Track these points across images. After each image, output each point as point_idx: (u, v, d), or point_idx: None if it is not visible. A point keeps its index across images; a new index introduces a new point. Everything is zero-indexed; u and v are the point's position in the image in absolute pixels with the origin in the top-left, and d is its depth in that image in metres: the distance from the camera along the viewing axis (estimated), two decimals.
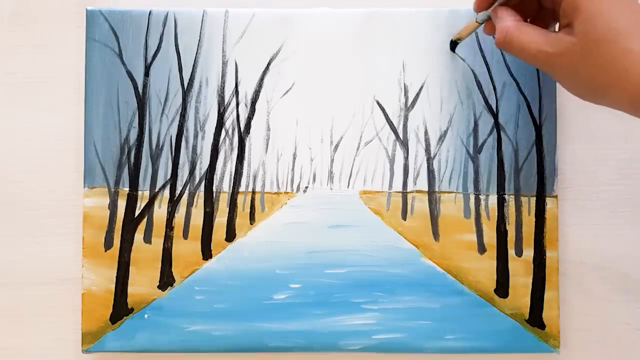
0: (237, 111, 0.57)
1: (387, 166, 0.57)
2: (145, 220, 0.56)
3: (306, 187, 0.57)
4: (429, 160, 0.57)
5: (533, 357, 0.56)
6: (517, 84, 0.56)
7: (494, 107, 0.56)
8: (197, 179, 0.57)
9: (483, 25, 0.50)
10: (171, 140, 0.57)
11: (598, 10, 0.38)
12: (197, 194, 0.57)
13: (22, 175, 0.58)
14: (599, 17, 0.38)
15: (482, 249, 0.56)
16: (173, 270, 0.56)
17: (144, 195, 0.56)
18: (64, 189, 0.57)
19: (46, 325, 0.57)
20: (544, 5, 0.47)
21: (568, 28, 0.40)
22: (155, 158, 0.57)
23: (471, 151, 0.56)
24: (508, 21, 0.44)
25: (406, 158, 0.57)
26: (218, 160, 0.57)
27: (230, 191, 0.57)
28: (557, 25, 0.47)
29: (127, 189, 0.56)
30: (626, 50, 0.37)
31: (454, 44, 0.55)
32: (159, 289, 0.55)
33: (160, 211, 0.56)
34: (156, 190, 0.56)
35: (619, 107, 0.40)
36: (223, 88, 0.57)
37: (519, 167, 0.56)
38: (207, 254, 0.56)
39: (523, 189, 0.56)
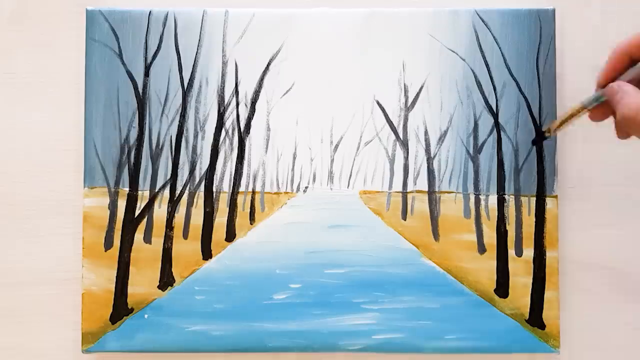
0: (237, 111, 0.57)
1: (387, 166, 0.57)
2: (145, 220, 0.56)
3: (306, 187, 0.57)
4: (429, 160, 0.57)
5: (533, 357, 0.56)
6: (517, 84, 0.56)
7: (494, 107, 0.56)
8: (197, 179, 0.57)
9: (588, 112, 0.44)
10: (171, 140, 0.57)
11: None
12: (197, 194, 0.57)
13: (22, 175, 0.58)
14: None
15: (482, 249, 0.56)
16: (173, 270, 0.56)
17: (144, 195, 0.56)
18: (64, 189, 0.57)
19: (46, 325, 0.57)
20: None
21: None
22: (155, 158, 0.57)
23: (471, 151, 0.56)
24: (638, 97, 0.39)
25: (406, 158, 0.57)
26: (218, 160, 0.57)
27: (230, 191, 0.57)
28: None
29: (127, 189, 0.56)
30: None
31: (541, 138, 0.46)
32: (159, 289, 0.55)
33: (160, 211, 0.56)
34: (156, 190, 0.56)
35: None
36: (223, 88, 0.57)
37: (519, 167, 0.56)
38: (207, 254, 0.56)
39: (523, 189, 0.56)
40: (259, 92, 0.57)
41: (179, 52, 0.57)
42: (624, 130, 0.41)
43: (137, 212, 0.56)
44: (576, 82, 0.57)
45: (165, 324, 0.55)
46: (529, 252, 0.55)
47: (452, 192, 0.56)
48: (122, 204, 0.56)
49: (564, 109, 0.57)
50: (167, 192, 0.56)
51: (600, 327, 0.56)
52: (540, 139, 0.45)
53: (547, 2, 0.56)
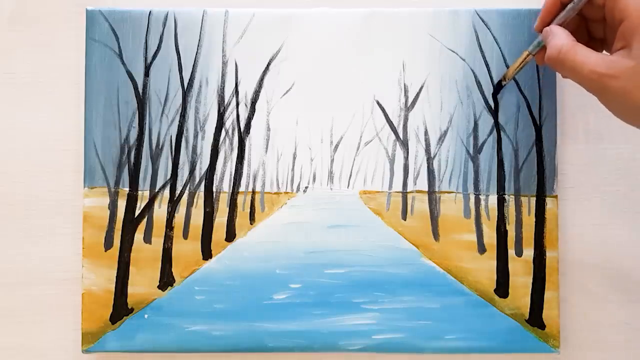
0: (237, 111, 0.57)
1: (387, 166, 0.57)
2: (145, 220, 0.56)
3: (306, 187, 0.57)
4: (429, 160, 0.57)
5: (533, 357, 0.56)
6: (517, 84, 0.56)
7: (493, 107, 0.56)
8: (197, 179, 0.57)
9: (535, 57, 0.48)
10: (171, 140, 0.57)
11: None
12: (197, 194, 0.57)
13: (22, 175, 0.58)
14: None
15: (482, 249, 0.56)
16: (173, 270, 0.56)
17: (144, 195, 0.56)
18: (64, 189, 0.57)
19: (46, 325, 0.57)
20: (594, 35, 0.46)
21: (624, 51, 0.39)
22: (155, 158, 0.57)
23: (471, 151, 0.56)
24: (564, 39, 0.42)
25: (406, 158, 0.57)
26: (218, 160, 0.57)
27: (230, 191, 0.57)
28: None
29: (127, 189, 0.56)
30: None
31: (499, 86, 0.51)
32: (159, 289, 0.55)
33: (160, 211, 0.56)
34: (156, 190, 0.56)
35: None
36: (223, 88, 0.57)
37: (519, 167, 0.56)
38: (207, 254, 0.56)
39: (523, 189, 0.56)
40: (259, 92, 0.57)
41: (179, 52, 0.57)
42: (554, 69, 0.44)
43: (137, 212, 0.56)
44: None
45: (165, 324, 0.55)
46: (529, 252, 0.55)
47: (452, 192, 0.56)
48: (122, 204, 0.56)
49: (564, 109, 0.57)
50: (167, 192, 0.56)
51: (600, 327, 0.56)
52: (499, 87, 0.51)
53: None
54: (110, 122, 0.56)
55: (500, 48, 0.56)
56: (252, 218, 0.57)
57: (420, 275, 0.55)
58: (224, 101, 0.57)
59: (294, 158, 0.57)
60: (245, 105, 0.57)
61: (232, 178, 0.57)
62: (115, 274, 0.55)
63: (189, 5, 0.57)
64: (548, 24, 0.45)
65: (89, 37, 0.56)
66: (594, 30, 0.46)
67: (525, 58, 0.49)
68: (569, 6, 0.44)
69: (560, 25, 0.45)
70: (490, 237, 0.56)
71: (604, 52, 0.46)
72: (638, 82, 0.38)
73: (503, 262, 0.56)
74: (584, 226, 0.57)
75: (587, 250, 0.57)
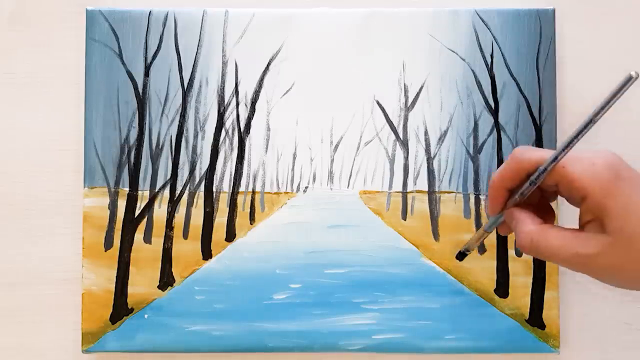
0: (237, 111, 0.57)
1: (387, 166, 0.57)
2: (145, 220, 0.56)
3: (306, 187, 0.57)
4: (429, 160, 0.57)
5: (533, 357, 0.56)
6: (517, 84, 0.56)
7: (493, 107, 0.56)
8: (197, 179, 0.57)
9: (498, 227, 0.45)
10: (171, 140, 0.57)
11: (626, 205, 0.36)
12: (197, 194, 0.57)
13: (22, 175, 0.58)
14: (629, 212, 0.36)
15: (482, 249, 0.56)
16: (173, 270, 0.56)
17: (144, 195, 0.56)
18: (64, 189, 0.57)
19: (46, 325, 0.57)
20: (545, 201, 0.43)
21: (594, 225, 0.38)
22: (155, 158, 0.57)
23: (471, 151, 0.56)
24: (529, 225, 0.40)
25: (406, 158, 0.57)
26: (218, 160, 0.57)
27: (230, 191, 0.57)
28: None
29: (127, 189, 0.56)
30: None
31: (462, 255, 0.49)
32: (159, 289, 0.55)
33: (160, 211, 0.56)
34: (156, 190, 0.56)
35: None
36: (223, 88, 0.57)
37: None
38: (207, 254, 0.56)
39: None
40: (259, 92, 0.57)
41: (179, 52, 0.57)
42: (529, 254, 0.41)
43: (137, 212, 0.56)
44: (576, 82, 0.57)
45: (165, 324, 0.55)
46: None
47: (452, 192, 0.56)
48: (122, 204, 0.56)
49: (564, 109, 0.57)
50: (167, 192, 0.56)
51: (600, 327, 0.56)
52: (462, 256, 0.48)
53: (547, 2, 0.56)
54: (110, 122, 0.56)
55: (500, 48, 0.56)
56: (252, 218, 0.57)
57: (420, 275, 0.55)
58: (224, 101, 0.57)
59: (294, 158, 0.57)
60: (245, 105, 0.57)
61: (232, 178, 0.57)
62: (115, 274, 0.55)
63: (189, 5, 0.57)
64: (501, 210, 0.42)
65: (89, 37, 0.56)
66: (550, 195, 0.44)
67: (484, 235, 0.46)
68: (517, 196, 0.41)
69: (516, 205, 0.41)
70: (490, 237, 0.56)
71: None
72: (622, 255, 0.36)
73: (503, 262, 0.56)
74: None
75: None
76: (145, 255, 0.56)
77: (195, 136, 0.57)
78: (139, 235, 0.56)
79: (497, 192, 0.42)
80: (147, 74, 0.56)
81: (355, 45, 0.56)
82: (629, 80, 0.35)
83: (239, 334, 0.54)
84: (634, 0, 0.58)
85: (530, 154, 0.40)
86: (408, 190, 0.57)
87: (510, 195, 0.41)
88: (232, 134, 0.57)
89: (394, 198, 0.57)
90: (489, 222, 0.44)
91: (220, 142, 0.57)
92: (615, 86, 0.35)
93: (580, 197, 0.38)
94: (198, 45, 0.57)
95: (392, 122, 0.57)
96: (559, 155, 0.38)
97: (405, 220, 0.57)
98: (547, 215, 0.42)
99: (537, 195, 0.42)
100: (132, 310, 0.55)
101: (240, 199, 0.57)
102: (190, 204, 0.56)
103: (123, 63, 0.56)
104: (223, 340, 0.54)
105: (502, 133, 0.56)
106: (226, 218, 0.57)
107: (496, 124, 0.56)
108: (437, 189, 0.57)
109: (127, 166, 0.56)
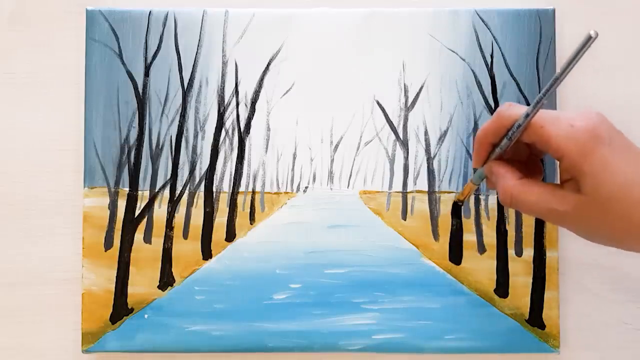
0: (237, 111, 0.57)
1: (387, 166, 0.57)
2: (145, 220, 0.56)
3: (306, 187, 0.57)
4: (429, 160, 0.57)
5: (533, 357, 0.56)
6: (517, 84, 0.56)
7: (493, 107, 0.56)
8: (197, 179, 0.57)
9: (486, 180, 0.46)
10: (171, 140, 0.57)
11: (602, 167, 0.37)
12: (197, 194, 0.57)
13: (22, 175, 0.58)
14: (604, 174, 0.37)
15: (482, 249, 0.56)
16: (173, 270, 0.56)
17: (144, 195, 0.56)
18: (64, 189, 0.57)
19: (46, 325, 0.57)
20: (534, 157, 0.44)
21: (572, 183, 0.39)
22: (155, 158, 0.57)
23: (471, 151, 0.56)
24: (509, 179, 0.41)
25: (406, 158, 0.57)
26: (218, 160, 0.57)
27: (230, 191, 0.57)
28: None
29: (127, 189, 0.56)
30: (638, 202, 0.36)
31: (456, 206, 0.50)
32: (159, 289, 0.55)
33: (160, 211, 0.56)
34: (156, 190, 0.56)
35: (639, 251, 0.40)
36: (223, 88, 0.57)
37: None
38: (207, 254, 0.56)
39: None
40: (259, 92, 0.57)
41: (179, 52, 0.57)
42: (509, 207, 0.43)
43: (137, 212, 0.56)
44: (576, 82, 0.57)
45: (165, 324, 0.55)
46: (529, 252, 0.55)
47: (452, 192, 0.56)
48: (122, 204, 0.56)
49: (564, 109, 0.57)
50: (167, 192, 0.56)
51: (600, 327, 0.56)
52: (455, 206, 0.50)
53: (547, 2, 0.56)
54: (110, 122, 0.56)
55: (500, 48, 0.56)
56: (252, 218, 0.57)
57: (420, 275, 0.55)
58: (224, 101, 0.57)
59: (294, 158, 0.57)
60: (245, 105, 0.57)
61: (232, 178, 0.57)
62: (115, 274, 0.55)
63: (189, 5, 0.57)
64: (484, 161, 0.43)
65: (89, 37, 0.56)
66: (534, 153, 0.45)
67: (472, 188, 0.47)
68: (497, 150, 0.42)
69: (500, 156, 0.42)
70: (490, 237, 0.56)
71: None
72: (595, 214, 0.37)
73: (503, 262, 0.56)
74: None
75: (587, 250, 0.56)
76: (145, 255, 0.56)
77: (195, 136, 0.57)
78: (139, 235, 0.56)
79: (480, 146, 0.43)
80: (147, 74, 0.56)
81: (355, 45, 0.56)
82: (588, 40, 0.36)
83: (239, 334, 0.54)
84: (634, 0, 0.58)
85: (512, 111, 0.41)
86: (408, 190, 0.57)
87: (493, 149, 0.42)
88: (232, 134, 0.57)
89: (394, 198, 0.57)
90: (475, 175, 0.45)
91: (220, 142, 0.57)
92: (577, 46, 0.37)
93: (557, 157, 0.39)
94: (198, 45, 0.57)
95: (392, 122, 0.57)
96: (530, 113, 0.39)
97: (405, 220, 0.57)
98: (534, 170, 0.43)
99: (526, 151, 0.43)
100: (132, 310, 0.55)
101: (240, 199, 0.57)
102: (190, 204, 0.56)
103: (123, 63, 0.56)
104: (223, 340, 0.54)
105: None
106: (226, 218, 0.57)
107: None
108: (437, 189, 0.57)
109: (127, 166, 0.56)
